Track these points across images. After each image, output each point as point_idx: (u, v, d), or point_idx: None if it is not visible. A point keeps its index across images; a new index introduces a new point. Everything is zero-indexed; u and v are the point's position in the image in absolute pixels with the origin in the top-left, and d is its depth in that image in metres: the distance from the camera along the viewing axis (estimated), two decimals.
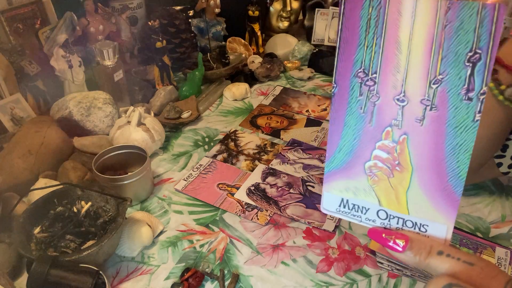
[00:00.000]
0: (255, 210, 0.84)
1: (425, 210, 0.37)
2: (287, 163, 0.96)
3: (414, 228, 0.38)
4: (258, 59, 1.35)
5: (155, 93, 1.15)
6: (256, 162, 0.97)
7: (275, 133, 1.08)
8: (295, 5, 1.49)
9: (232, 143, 1.03)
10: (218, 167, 0.95)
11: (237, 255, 0.75)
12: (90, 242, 0.73)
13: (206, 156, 0.99)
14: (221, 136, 1.06)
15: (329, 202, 0.41)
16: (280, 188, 0.89)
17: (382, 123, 0.36)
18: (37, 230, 0.72)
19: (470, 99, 0.33)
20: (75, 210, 0.75)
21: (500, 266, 0.71)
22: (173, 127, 1.08)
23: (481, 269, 0.34)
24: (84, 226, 0.74)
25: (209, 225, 0.81)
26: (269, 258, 0.74)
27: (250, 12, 1.38)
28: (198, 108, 1.14)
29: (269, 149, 1.01)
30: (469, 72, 0.32)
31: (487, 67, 0.31)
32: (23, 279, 0.71)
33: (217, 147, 1.02)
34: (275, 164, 0.96)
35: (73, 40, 1.10)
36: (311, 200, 0.86)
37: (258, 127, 1.10)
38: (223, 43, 1.40)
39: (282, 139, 1.05)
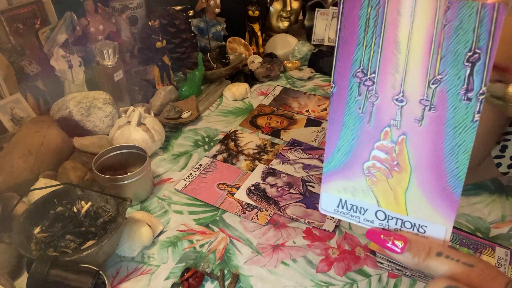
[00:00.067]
0: (255, 210, 0.84)
1: (424, 211, 0.37)
2: (287, 163, 0.96)
3: (413, 229, 0.38)
4: (258, 59, 1.35)
5: (155, 93, 1.15)
6: (256, 162, 0.97)
7: (275, 133, 1.08)
8: (295, 5, 1.49)
9: (232, 143, 1.03)
10: (218, 167, 0.95)
11: (237, 255, 0.75)
12: (90, 242, 0.73)
13: (206, 156, 0.99)
14: (221, 136, 1.06)
15: (328, 202, 0.41)
16: (280, 188, 0.89)
17: (380, 123, 0.36)
18: (37, 230, 0.72)
19: (469, 99, 0.32)
20: (75, 210, 0.75)
21: (500, 266, 0.71)
22: (173, 127, 1.08)
23: (480, 271, 0.33)
24: (84, 226, 0.74)
25: (209, 225, 0.81)
26: (269, 258, 0.74)
27: (250, 12, 1.38)
28: (198, 108, 1.14)
29: (269, 149, 1.01)
30: (468, 72, 0.32)
31: (486, 67, 0.31)
32: (23, 279, 0.71)
33: (217, 147, 1.02)
34: (275, 164, 0.96)
35: (73, 40, 1.10)
36: (311, 200, 0.86)
37: (258, 127, 1.10)
38: (223, 43, 1.40)
39: (282, 139, 1.05)
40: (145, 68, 1.25)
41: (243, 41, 1.41)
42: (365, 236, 0.77)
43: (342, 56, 0.36)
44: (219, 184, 0.91)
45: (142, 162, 0.85)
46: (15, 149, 0.85)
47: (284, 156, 0.99)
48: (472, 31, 0.31)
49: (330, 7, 1.41)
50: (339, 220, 0.81)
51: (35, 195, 0.77)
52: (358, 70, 0.35)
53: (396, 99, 0.35)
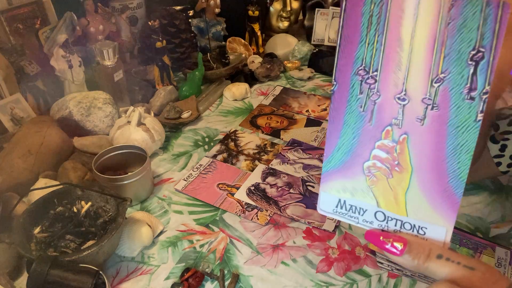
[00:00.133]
0: (255, 210, 0.84)
1: (424, 212, 0.36)
2: (287, 163, 0.96)
3: (413, 231, 0.37)
4: (258, 59, 1.35)
5: (155, 93, 1.15)
6: (256, 162, 0.97)
7: (275, 133, 1.08)
8: (295, 5, 1.49)
9: (232, 143, 1.03)
10: (218, 167, 0.95)
11: (237, 255, 0.75)
12: (90, 242, 0.72)
13: (206, 156, 0.99)
14: (221, 136, 1.06)
15: (326, 202, 0.40)
16: (280, 188, 0.89)
17: (382, 122, 0.36)
18: (37, 230, 0.71)
19: (472, 98, 0.32)
20: (75, 210, 0.75)
21: (500, 266, 0.71)
22: (173, 127, 1.08)
23: (482, 274, 0.33)
24: (84, 226, 0.74)
25: (209, 225, 0.81)
26: (269, 258, 0.74)
27: (250, 12, 1.38)
28: (198, 108, 1.14)
29: (269, 149, 1.01)
30: (471, 70, 0.31)
31: (490, 66, 0.31)
32: (23, 279, 0.70)
33: (217, 147, 1.02)
34: (275, 164, 0.96)
35: (73, 40, 1.09)
36: (311, 200, 0.86)
37: (258, 127, 1.10)
38: (223, 43, 1.40)
39: (282, 139, 1.05)
40: (145, 68, 1.25)
41: (243, 41, 1.41)
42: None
43: (344, 54, 0.35)
44: (219, 184, 0.90)
45: (142, 162, 0.85)
46: (15, 149, 0.85)
47: (284, 156, 0.99)
48: (476, 29, 0.30)
49: (330, 7, 1.41)
50: (339, 220, 0.81)
51: (35, 195, 0.77)
52: (360, 68, 0.35)
53: (398, 98, 0.34)
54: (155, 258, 0.74)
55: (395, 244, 0.36)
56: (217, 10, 1.36)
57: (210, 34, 1.37)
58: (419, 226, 0.37)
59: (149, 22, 1.14)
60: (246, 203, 0.85)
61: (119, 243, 0.73)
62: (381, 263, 0.72)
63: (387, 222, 0.38)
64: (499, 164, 0.76)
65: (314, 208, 0.84)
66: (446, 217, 0.35)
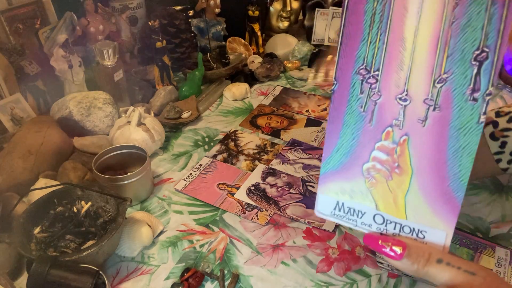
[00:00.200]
0: (255, 210, 0.84)
1: (424, 216, 0.35)
2: (287, 163, 0.96)
3: (412, 234, 0.36)
4: (258, 59, 1.35)
5: (155, 93, 1.15)
6: (256, 162, 0.97)
7: (275, 133, 1.07)
8: (295, 5, 1.49)
9: (232, 143, 1.03)
10: (218, 167, 0.95)
11: (237, 255, 0.75)
12: (90, 242, 0.72)
13: (206, 156, 0.99)
14: (221, 136, 1.06)
15: (324, 204, 0.39)
16: (280, 188, 0.89)
17: (382, 122, 0.35)
18: (37, 230, 0.71)
19: (475, 99, 0.31)
20: (75, 210, 0.75)
21: (500, 266, 0.71)
22: (173, 127, 1.08)
23: (483, 279, 0.32)
24: (84, 226, 0.74)
25: (209, 225, 0.81)
26: (269, 258, 0.74)
27: (250, 12, 1.37)
28: (198, 108, 1.14)
29: (269, 149, 1.01)
30: (475, 71, 0.31)
31: (494, 67, 0.30)
32: (23, 279, 0.70)
33: (217, 147, 1.02)
34: (275, 164, 0.96)
35: (73, 40, 1.09)
36: (311, 200, 0.86)
37: (258, 127, 1.10)
38: (223, 43, 1.40)
39: (282, 139, 1.05)
40: (145, 68, 1.25)
41: (243, 41, 1.40)
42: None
43: (345, 52, 0.34)
44: (219, 184, 0.90)
45: (142, 162, 0.85)
46: (15, 149, 0.85)
47: (284, 156, 0.99)
48: (480, 29, 0.30)
49: (330, 7, 1.40)
50: None
51: (35, 195, 0.77)
52: (361, 67, 0.34)
53: (400, 98, 0.34)
54: (155, 258, 0.74)
55: (394, 248, 0.35)
56: (217, 10, 1.36)
57: (210, 34, 1.37)
58: (418, 230, 0.36)
59: (149, 22, 1.14)
60: (246, 203, 0.85)
61: (119, 243, 0.73)
62: (381, 263, 0.72)
63: (386, 225, 0.37)
64: (499, 160, 0.76)
65: None
66: (446, 220, 0.35)
